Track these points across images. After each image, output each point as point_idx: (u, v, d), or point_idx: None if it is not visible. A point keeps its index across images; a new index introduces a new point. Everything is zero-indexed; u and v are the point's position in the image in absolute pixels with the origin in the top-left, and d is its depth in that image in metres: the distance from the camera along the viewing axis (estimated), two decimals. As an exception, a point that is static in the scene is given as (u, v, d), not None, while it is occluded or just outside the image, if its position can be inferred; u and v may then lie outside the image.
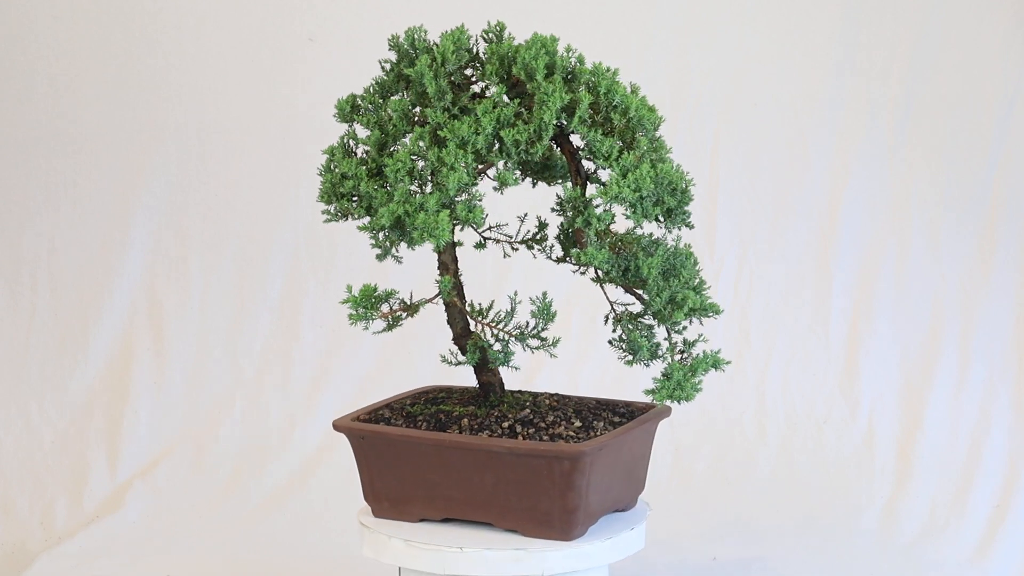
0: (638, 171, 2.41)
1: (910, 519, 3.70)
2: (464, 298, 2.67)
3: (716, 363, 2.51)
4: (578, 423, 2.58)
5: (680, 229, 2.58)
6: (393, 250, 2.58)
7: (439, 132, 2.49)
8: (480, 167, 2.56)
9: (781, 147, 4.30)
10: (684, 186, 2.51)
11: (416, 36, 2.63)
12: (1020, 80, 4.21)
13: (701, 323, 2.56)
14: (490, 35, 2.60)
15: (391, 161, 2.50)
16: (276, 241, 4.26)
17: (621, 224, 2.58)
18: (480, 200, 2.48)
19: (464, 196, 2.47)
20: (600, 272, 2.54)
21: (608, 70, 2.48)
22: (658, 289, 2.48)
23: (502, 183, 2.49)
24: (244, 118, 4.25)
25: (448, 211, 2.43)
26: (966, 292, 4.21)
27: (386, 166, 2.50)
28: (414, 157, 2.49)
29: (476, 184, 2.49)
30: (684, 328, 2.54)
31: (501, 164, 2.51)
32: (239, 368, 4.18)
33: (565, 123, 2.48)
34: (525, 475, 2.49)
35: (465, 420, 2.62)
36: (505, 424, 2.58)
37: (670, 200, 2.50)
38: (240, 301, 4.24)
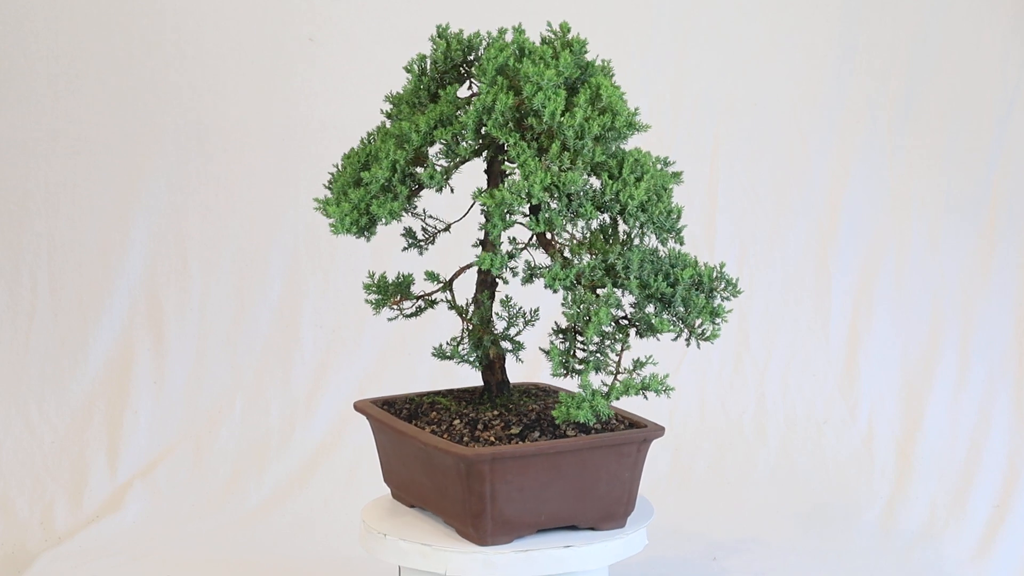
0: (533, 178, 2.38)
1: (910, 519, 3.70)
2: (493, 298, 2.69)
3: (652, 387, 2.43)
4: (517, 430, 2.56)
5: (667, 244, 2.54)
6: (427, 245, 2.61)
7: (390, 129, 2.56)
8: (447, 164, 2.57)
9: (781, 147, 4.30)
10: (661, 200, 2.46)
11: (443, 34, 2.62)
12: (1020, 80, 4.21)
13: (700, 345, 2.55)
14: (553, 35, 2.58)
15: (350, 153, 2.58)
16: (276, 241, 4.26)
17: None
18: (404, 198, 2.51)
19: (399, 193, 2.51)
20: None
21: (539, 73, 2.41)
22: (571, 301, 2.46)
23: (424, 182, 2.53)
24: (244, 118, 4.24)
25: (343, 205, 2.50)
26: (966, 292, 4.22)
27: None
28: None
29: (402, 182, 2.52)
30: (628, 347, 2.49)
31: (441, 163, 2.54)
32: (239, 368, 4.18)
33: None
34: (444, 473, 2.51)
35: (434, 413, 2.67)
36: (456, 421, 2.60)
37: (592, 212, 2.44)
38: (240, 301, 4.23)
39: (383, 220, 2.52)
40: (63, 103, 4.21)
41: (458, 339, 2.72)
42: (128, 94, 4.22)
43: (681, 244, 2.54)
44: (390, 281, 2.70)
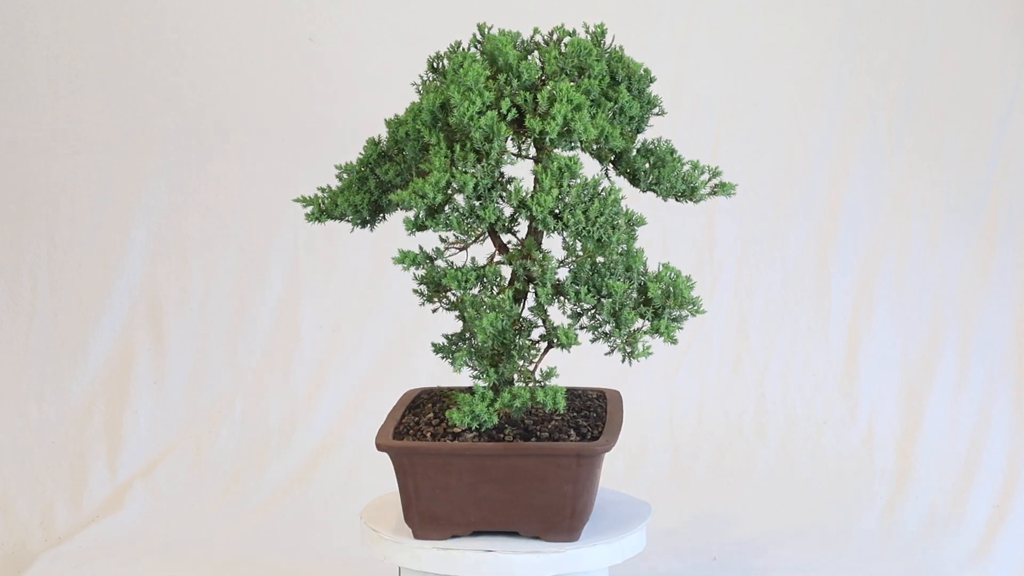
0: (431, 177, 2.39)
1: (910, 519, 3.70)
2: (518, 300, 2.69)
3: (542, 399, 2.39)
4: (460, 428, 2.57)
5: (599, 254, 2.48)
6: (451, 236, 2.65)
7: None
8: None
9: (781, 147, 4.30)
10: (588, 211, 2.40)
11: (482, 31, 2.62)
12: (1020, 80, 4.21)
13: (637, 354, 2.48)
14: (590, 36, 2.59)
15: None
16: (276, 241, 4.26)
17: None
18: (378, 192, 2.58)
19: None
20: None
21: (465, 72, 2.40)
22: (468, 304, 2.48)
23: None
24: (244, 118, 4.25)
25: (317, 196, 2.59)
26: (966, 292, 4.21)
27: None
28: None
29: (372, 175, 2.59)
30: (534, 355, 2.48)
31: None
32: (239, 368, 4.18)
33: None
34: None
35: (429, 405, 2.73)
36: (430, 415, 2.65)
37: (491, 215, 2.43)
38: (240, 301, 4.23)
39: (347, 213, 2.56)
40: (63, 103, 4.21)
41: (455, 337, 2.71)
42: (128, 94, 4.22)
43: (608, 256, 2.45)
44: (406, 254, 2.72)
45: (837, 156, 4.28)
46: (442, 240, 2.57)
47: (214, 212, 4.25)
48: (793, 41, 4.28)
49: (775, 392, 4.16)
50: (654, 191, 2.59)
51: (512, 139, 2.47)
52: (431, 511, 2.51)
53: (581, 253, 2.47)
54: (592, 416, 2.68)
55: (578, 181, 2.41)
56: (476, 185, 2.39)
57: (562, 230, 2.42)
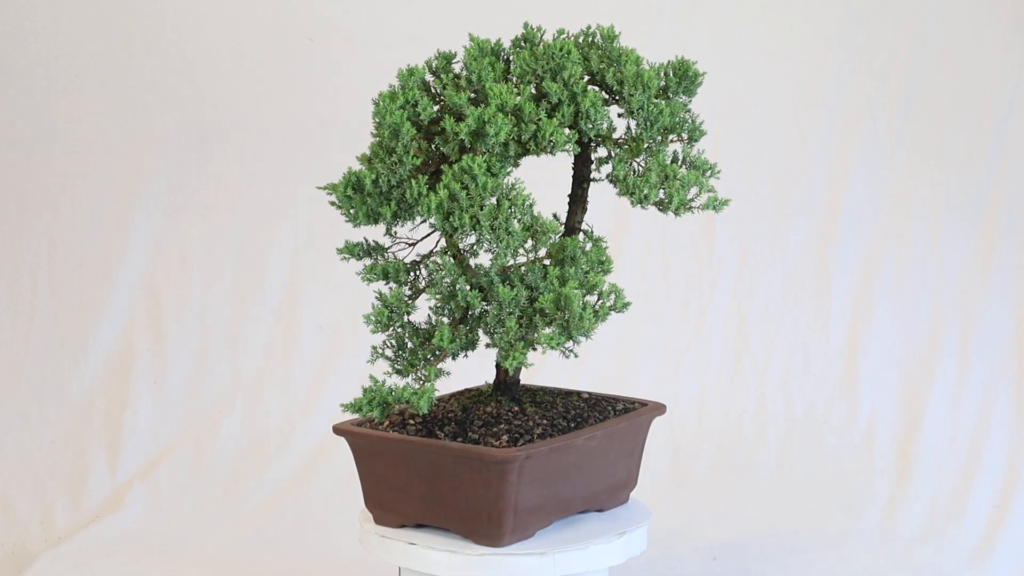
0: (348, 175, 2.47)
1: (910, 519, 3.70)
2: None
3: (392, 399, 2.42)
4: (412, 422, 2.59)
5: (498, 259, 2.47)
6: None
7: None
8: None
9: (781, 147, 4.30)
10: (477, 213, 2.39)
11: (526, 27, 2.63)
12: (1020, 80, 4.21)
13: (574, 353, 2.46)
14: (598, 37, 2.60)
15: None
16: (276, 241, 4.26)
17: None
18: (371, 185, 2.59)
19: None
20: None
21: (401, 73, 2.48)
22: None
23: None
24: (244, 118, 4.25)
25: (333, 185, 2.63)
26: (966, 292, 4.21)
27: None
28: None
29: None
30: (427, 353, 2.49)
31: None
32: (239, 368, 4.18)
33: None
34: None
35: (454, 400, 2.75)
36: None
37: (388, 213, 2.46)
38: (240, 301, 4.24)
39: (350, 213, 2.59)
40: (63, 103, 4.21)
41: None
42: (128, 94, 4.22)
43: (502, 261, 2.42)
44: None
45: (837, 156, 4.28)
46: (390, 235, 2.58)
47: (214, 212, 4.25)
48: (793, 41, 4.28)
49: (775, 392, 4.16)
50: (630, 199, 2.56)
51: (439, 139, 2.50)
52: (378, 498, 2.57)
53: (491, 256, 2.47)
54: (574, 426, 2.62)
55: (477, 184, 2.39)
56: (377, 180, 2.44)
57: (451, 232, 2.42)
